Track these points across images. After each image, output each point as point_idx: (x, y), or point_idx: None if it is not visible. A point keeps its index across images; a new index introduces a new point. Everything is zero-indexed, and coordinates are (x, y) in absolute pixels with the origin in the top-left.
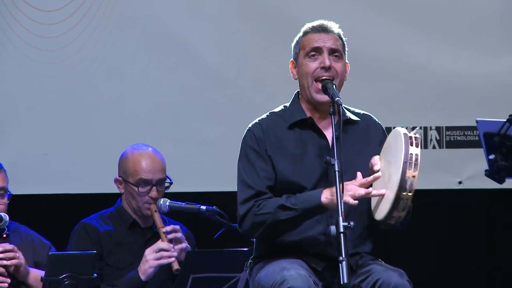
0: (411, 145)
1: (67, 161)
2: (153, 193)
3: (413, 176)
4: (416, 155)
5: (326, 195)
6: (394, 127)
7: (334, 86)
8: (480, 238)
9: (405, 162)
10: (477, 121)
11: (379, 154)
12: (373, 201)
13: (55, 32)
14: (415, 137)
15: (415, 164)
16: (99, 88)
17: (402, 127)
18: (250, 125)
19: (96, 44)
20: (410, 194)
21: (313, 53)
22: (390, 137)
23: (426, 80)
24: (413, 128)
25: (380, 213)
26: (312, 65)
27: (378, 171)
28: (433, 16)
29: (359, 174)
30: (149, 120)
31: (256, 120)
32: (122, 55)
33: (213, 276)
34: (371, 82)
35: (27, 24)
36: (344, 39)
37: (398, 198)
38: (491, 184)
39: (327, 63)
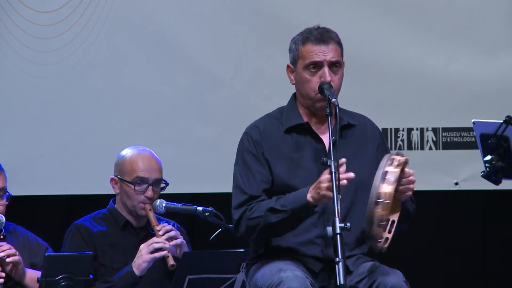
0: (383, 182)
1: (63, 162)
2: (149, 192)
3: (383, 212)
4: (390, 194)
5: (311, 193)
6: (390, 129)
7: (331, 88)
8: (476, 239)
9: (374, 201)
10: (473, 122)
11: (375, 157)
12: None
13: (51, 33)
14: (393, 172)
15: (386, 203)
16: (95, 89)
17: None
18: (247, 128)
19: (93, 45)
20: (380, 228)
21: (312, 66)
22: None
23: (422, 81)
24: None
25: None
26: (314, 79)
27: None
28: (429, 16)
29: (351, 173)
30: (144, 121)
31: (253, 123)
32: (118, 56)
33: (209, 277)
34: (367, 83)
35: (23, 25)
36: (341, 42)
37: (369, 235)
38: (488, 185)
39: (328, 79)
